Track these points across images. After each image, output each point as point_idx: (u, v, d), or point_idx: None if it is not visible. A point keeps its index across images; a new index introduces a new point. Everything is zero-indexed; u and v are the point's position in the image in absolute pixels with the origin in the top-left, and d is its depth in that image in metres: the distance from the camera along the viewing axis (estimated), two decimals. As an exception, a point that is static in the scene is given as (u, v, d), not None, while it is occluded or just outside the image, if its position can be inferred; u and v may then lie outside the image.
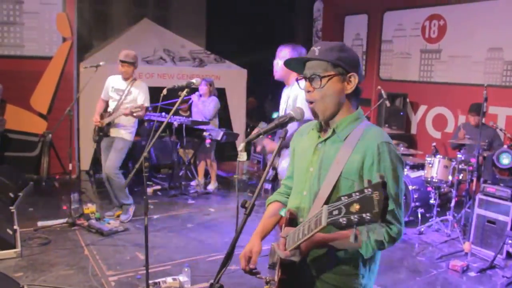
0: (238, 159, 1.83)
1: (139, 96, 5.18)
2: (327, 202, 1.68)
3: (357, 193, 1.26)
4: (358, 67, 1.78)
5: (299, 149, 1.95)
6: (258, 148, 3.80)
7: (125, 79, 5.25)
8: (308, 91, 1.76)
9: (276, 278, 1.73)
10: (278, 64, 3.77)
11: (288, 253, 1.61)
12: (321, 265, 1.75)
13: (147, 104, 5.19)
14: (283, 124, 1.78)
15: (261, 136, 1.82)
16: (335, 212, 1.31)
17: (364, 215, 1.23)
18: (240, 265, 1.79)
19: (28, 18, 6.93)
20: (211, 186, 7.04)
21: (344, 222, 1.28)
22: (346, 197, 1.30)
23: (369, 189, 1.23)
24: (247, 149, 9.27)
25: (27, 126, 7.09)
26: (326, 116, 1.77)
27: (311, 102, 1.77)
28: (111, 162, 5.22)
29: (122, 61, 5.14)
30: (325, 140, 1.79)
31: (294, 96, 3.60)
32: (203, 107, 6.69)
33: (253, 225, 1.93)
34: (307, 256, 1.74)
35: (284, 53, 3.75)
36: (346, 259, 1.74)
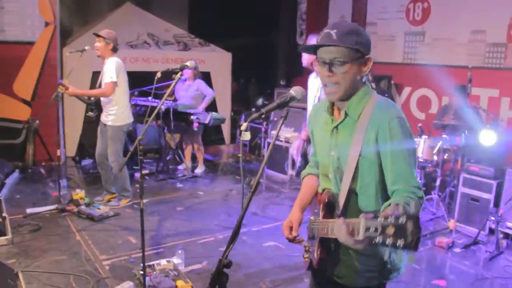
0: (241, 138, 1.86)
1: (105, 75, 5.01)
2: (352, 181, 1.79)
3: (392, 217, 1.32)
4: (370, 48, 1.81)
5: (317, 130, 2.02)
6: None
7: (102, 60, 5.12)
8: (328, 76, 1.76)
9: (315, 255, 1.84)
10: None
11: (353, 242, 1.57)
12: None
13: (109, 80, 4.95)
14: (284, 104, 1.81)
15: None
16: (372, 230, 1.37)
17: (398, 241, 1.30)
18: (284, 234, 1.89)
19: (8, 1, 6.74)
20: (199, 170, 7.05)
21: (380, 242, 1.34)
22: (383, 218, 1.35)
23: (404, 217, 1.30)
24: (233, 132, 9.29)
25: (10, 113, 6.95)
26: (343, 98, 1.81)
27: (325, 85, 1.80)
28: (109, 152, 5.18)
29: (94, 34, 5.08)
30: (339, 123, 1.85)
31: None
32: (191, 91, 6.68)
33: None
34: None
35: (313, 42, 3.80)
36: None
